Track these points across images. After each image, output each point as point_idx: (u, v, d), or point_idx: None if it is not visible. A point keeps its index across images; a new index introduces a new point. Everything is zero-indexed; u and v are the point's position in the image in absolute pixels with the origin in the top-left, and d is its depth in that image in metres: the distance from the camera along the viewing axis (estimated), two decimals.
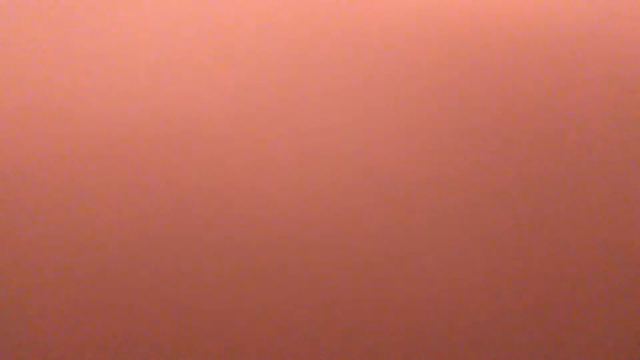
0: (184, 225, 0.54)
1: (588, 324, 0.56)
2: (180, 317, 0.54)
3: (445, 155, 0.55)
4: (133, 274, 0.53)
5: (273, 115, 0.55)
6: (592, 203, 0.56)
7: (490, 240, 0.55)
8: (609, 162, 0.56)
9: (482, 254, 0.55)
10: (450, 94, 0.56)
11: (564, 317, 0.56)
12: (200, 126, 0.54)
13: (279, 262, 0.54)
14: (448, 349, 0.55)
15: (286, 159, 0.54)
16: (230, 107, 0.55)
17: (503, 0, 0.58)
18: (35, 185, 0.53)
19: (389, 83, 0.56)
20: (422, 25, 0.56)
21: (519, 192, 0.56)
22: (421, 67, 0.56)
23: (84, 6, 0.55)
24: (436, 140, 0.55)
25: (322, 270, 0.54)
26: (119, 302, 0.53)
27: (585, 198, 0.56)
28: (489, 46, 0.56)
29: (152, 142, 0.54)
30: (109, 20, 0.55)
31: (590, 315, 0.56)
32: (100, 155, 0.54)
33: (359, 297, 0.54)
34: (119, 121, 0.54)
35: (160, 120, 0.54)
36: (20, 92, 0.54)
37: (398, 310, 0.55)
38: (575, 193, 0.56)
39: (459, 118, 0.56)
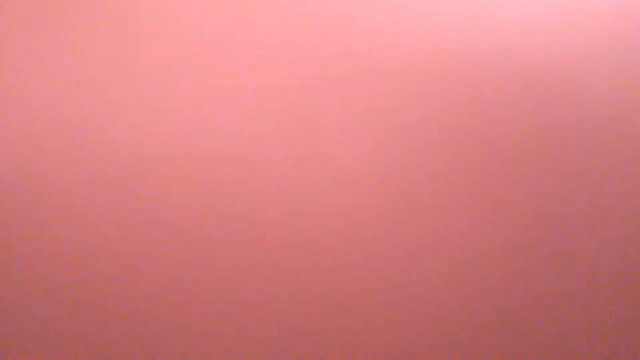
0: (192, 241, 0.54)
1: (587, 324, 0.56)
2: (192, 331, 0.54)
3: (449, 162, 0.55)
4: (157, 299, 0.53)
5: (283, 137, 0.55)
6: (588, 204, 0.56)
7: (489, 241, 0.55)
8: (606, 166, 0.57)
9: (480, 255, 0.55)
10: (449, 101, 0.56)
11: (563, 317, 0.56)
12: (212, 148, 0.54)
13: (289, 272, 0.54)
14: (448, 348, 0.55)
15: (294, 177, 0.54)
16: (243, 131, 0.55)
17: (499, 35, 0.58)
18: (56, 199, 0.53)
19: (391, 106, 0.56)
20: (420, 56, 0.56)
21: (518, 194, 0.56)
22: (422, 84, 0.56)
23: (110, 36, 0.55)
24: (440, 150, 0.55)
25: (334, 276, 0.54)
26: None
27: (582, 200, 0.56)
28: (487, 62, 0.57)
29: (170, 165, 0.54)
30: (130, 50, 0.55)
31: (590, 315, 0.56)
32: (119, 173, 0.54)
33: (360, 296, 0.54)
34: (139, 143, 0.54)
35: (177, 145, 0.54)
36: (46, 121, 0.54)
37: (396, 309, 0.55)
38: (573, 195, 0.56)
39: (460, 121, 0.56)
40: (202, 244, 0.54)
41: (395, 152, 0.55)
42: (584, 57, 0.57)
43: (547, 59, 0.57)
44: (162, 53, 0.55)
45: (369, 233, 0.54)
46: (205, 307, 0.54)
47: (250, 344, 0.54)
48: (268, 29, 0.55)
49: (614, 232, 0.56)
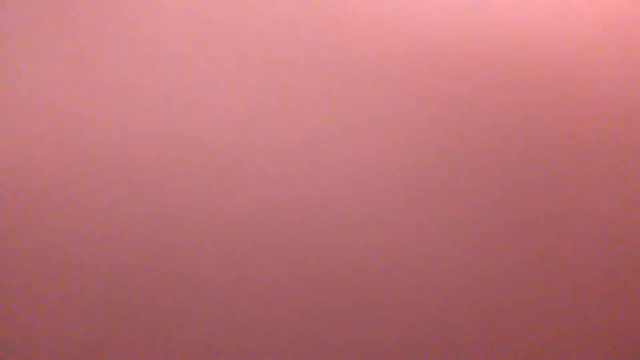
0: (190, 230, 0.54)
1: (584, 323, 0.56)
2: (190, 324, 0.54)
3: (445, 160, 0.55)
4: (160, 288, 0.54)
5: (278, 129, 0.55)
6: (584, 202, 0.56)
7: (486, 240, 0.55)
8: (600, 166, 0.56)
9: (478, 254, 0.55)
10: (447, 102, 0.56)
11: (559, 316, 0.56)
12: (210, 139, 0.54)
13: (285, 264, 0.54)
14: (446, 347, 0.55)
15: (292, 168, 0.54)
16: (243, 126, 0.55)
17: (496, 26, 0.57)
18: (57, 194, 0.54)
19: (388, 97, 0.56)
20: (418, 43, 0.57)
21: (513, 192, 0.56)
22: (421, 77, 0.56)
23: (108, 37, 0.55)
24: (435, 146, 0.56)
25: (331, 272, 0.54)
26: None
27: (578, 198, 0.56)
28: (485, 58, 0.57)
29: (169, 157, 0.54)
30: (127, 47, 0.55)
31: (586, 315, 0.56)
32: (114, 161, 0.54)
33: (360, 296, 0.55)
34: (136, 136, 0.54)
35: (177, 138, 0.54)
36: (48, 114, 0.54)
37: (395, 309, 0.55)
38: (570, 193, 0.56)
39: (457, 120, 0.56)
40: (202, 240, 0.54)
41: (396, 148, 0.55)
42: (586, 51, 0.57)
43: (548, 53, 0.57)
44: (162, 50, 0.55)
45: (367, 230, 0.55)
46: (202, 302, 0.54)
47: (249, 338, 0.54)
48: (267, 25, 0.56)
49: (613, 228, 0.56)
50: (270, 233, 0.54)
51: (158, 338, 0.54)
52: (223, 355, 0.54)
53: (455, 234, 0.55)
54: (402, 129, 0.55)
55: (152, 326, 0.54)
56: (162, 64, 0.55)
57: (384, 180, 0.55)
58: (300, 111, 0.55)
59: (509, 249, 0.55)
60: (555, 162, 0.56)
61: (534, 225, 0.56)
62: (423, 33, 0.56)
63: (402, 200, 0.55)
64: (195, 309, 0.54)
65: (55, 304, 0.53)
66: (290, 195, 0.54)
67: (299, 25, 0.56)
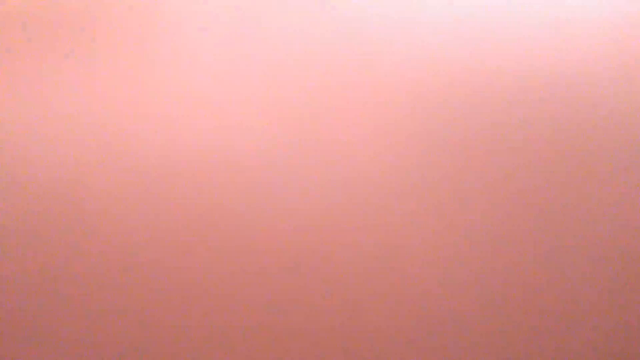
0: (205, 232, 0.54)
1: (583, 323, 0.56)
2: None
3: (443, 160, 0.56)
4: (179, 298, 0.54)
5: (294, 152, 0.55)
6: (582, 204, 0.56)
7: (485, 241, 0.56)
8: (601, 166, 0.57)
9: (477, 256, 0.56)
10: (444, 106, 0.56)
11: (557, 316, 0.56)
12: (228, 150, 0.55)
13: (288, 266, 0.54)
14: (444, 346, 0.55)
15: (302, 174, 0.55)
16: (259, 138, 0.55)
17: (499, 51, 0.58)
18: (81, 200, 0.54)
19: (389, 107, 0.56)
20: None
21: (513, 191, 0.56)
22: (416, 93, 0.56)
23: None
24: (439, 150, 0.56)
25: (337, 272, 0.55)
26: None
27: (576, 199, 0.56)
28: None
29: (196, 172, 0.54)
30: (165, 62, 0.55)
31: (585, 314, 0.56)
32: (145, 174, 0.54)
33: (359, 297, 0.55)
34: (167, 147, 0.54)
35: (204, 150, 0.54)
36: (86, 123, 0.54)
37: (394, 309, 0.55)
38: (569, 194, 0.57)
39: (464, 126, 0.56)
40: (221, 243, 0.54)
41: (403, 158, 0.55)
42: (589, 62, 0.57)
43: (552, 64, 0.57)
44: (186, 56, 0.55)
45: (376, 236, 0.55)
46: (218, 306, 0.54)
47: (260, 343, 0.54)
48: (282, 38, 0.56)
49: (615, 236, 0.56)
50: (282, 236, 0.54)
51: (162, 337, 0.54)
52: (224, 355, 0.54)
53: (457, 236, 0.55)
54: (405, 135, 0.55)
55: (154, 325, 0.54)
56: (183, 69, 0.55)
57: (391, 184, 0.55)
58: (314, 118, 0.55)
59: (510, 250, 0.55)
60: (558, 165, 0.56)
61: (536, 227, 0.56)
62: (434, 41, 0.56)
63: (412, 205, 0.55)
64: (203, 309, 0.54)
65: (81, 303, 0.53)
66: (302, 199, 0.54)
67: (316, 39, 0.56)
